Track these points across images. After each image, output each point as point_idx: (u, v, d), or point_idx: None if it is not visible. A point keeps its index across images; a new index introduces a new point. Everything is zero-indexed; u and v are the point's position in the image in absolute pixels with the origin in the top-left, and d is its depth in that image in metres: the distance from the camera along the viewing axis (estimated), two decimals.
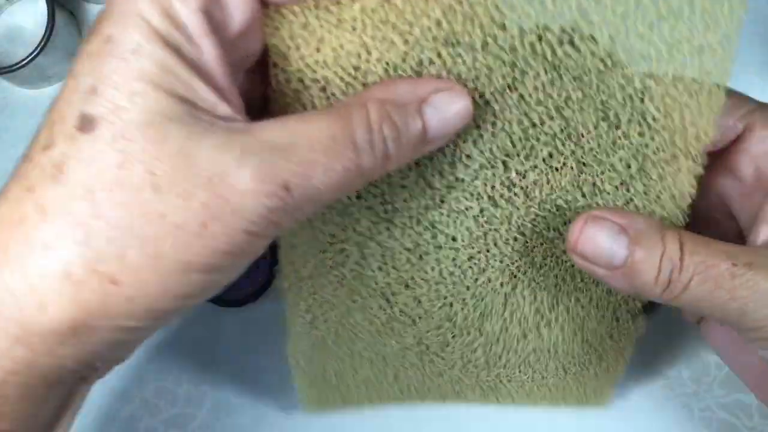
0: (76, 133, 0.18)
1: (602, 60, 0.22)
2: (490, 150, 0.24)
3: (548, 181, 0.25)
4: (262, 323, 0.37)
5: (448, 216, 0.25)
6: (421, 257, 0.26)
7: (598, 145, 0.24)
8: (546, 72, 0.22)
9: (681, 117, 0.23)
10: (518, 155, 0.24)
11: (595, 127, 0.23)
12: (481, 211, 0.25)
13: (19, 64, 0.40)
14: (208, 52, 0.19)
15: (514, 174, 0.24)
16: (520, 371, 0.32)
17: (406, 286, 0.27)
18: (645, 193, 0.25)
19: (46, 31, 0.40)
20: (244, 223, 0.19)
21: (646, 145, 0.24)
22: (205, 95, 0.19)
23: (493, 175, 0.25)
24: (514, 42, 0.22)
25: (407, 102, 0.21)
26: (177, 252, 0.18)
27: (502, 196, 0.25)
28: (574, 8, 0.21)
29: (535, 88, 0.23)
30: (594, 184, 0.25)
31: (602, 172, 0.24)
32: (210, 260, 0.19)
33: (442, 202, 0.25)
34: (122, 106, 0.18)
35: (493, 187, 0.25)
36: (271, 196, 0.19)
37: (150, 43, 0.18)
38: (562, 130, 0.24)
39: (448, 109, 0.22)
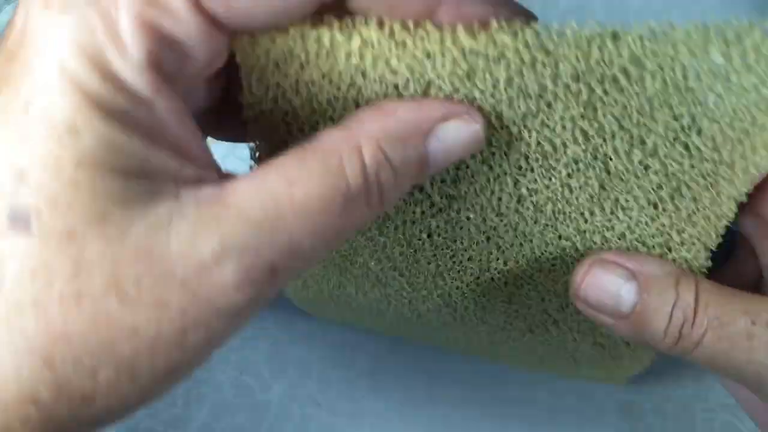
0: (8, 231, 0.15)
1: (649, 100, 0.18)
2: (500, 165, 0.21)
3: (563, 197, 0.22)
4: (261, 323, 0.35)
5: (446, 223, 0.23)
6: (416, 251, 0.25)
7: (627, 170, 0.21)
8: (578, 106, 0.19)
9: (730, 152, 0.19)
10: (532, 171, 0.21)
11: (627, 154, 0.20)
12: (484, 220, 0.23)
13: None
14: (163, 108, 0.16)
15: (524, 191, 0.22)
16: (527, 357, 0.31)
17: (401, 274, 0.26)
18: (676, 209, 0.21)
19: None
20: (228, 320, 0.17)
21: (683, 172, 0.21)
22: (165, 162, 0.16)
23: (501, 190, 0.22)
24: (544, 81, 0.18)
25: (408, 136, 0.18)
26: (156, 364, 0.16)
27: (509, 208, 0.22)
28: (626, 56, 0.17)
29: (561, 118, 0.19)
30: (617, 201, 0.22)
31: (627, 192, 0.21)
32: (192, 362, 0.17)
33: (440, 211, 0.23)
34: (62, 201, 0.15)
35: (499, 201, 0.22)
36: (256, 284, 0.16)
37: (87, 117, 0.15)
38: (587, 155, 0.20)
39: (456, 138, 0.19)
